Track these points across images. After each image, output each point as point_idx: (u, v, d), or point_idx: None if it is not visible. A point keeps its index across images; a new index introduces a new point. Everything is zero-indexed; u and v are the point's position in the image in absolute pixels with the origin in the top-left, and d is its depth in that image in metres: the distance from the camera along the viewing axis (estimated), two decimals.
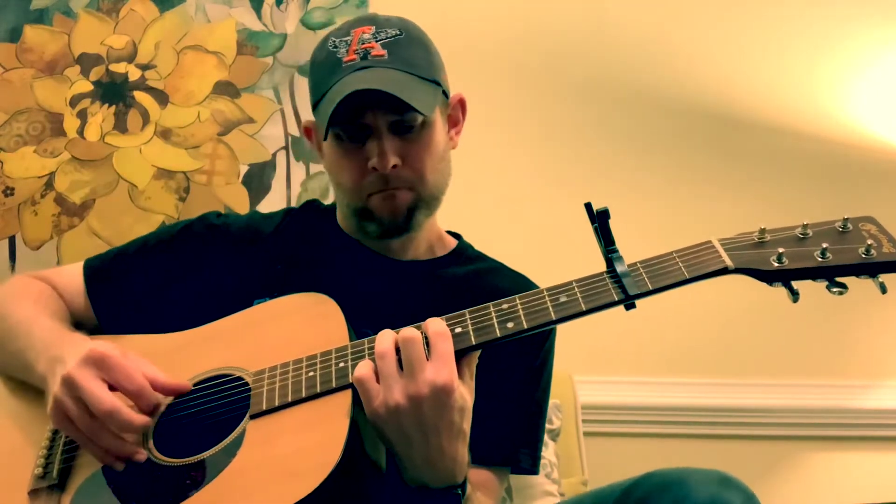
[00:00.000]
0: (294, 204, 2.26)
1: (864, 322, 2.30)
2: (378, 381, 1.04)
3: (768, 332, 2.30)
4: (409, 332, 1.05)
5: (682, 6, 2.34)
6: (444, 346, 1.04)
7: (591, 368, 2.22)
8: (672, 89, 2.31)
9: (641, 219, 2.14)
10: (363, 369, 1.05)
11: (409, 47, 1.30)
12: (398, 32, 1.30)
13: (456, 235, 1.49)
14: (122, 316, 1.38)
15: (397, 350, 1.05)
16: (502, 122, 2.32)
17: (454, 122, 1.41)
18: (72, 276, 1.41)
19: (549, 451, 1.95)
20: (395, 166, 1.27)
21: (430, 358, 1.03)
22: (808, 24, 2.30)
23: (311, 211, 1.48)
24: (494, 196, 2.29)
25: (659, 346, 2.30)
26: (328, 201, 1.52)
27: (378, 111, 1.26)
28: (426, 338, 1.05)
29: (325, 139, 1.28)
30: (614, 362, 2.28)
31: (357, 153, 1.29)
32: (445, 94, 1.36)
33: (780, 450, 2.29)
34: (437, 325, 1.06)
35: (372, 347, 1.09)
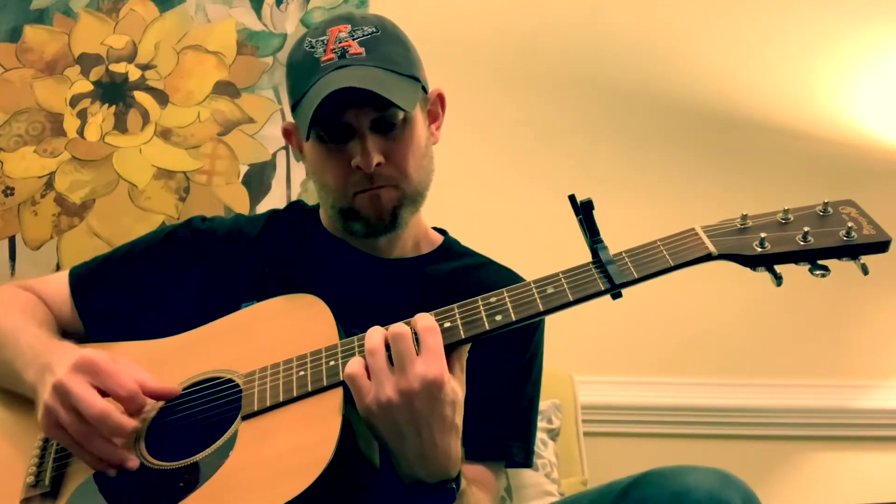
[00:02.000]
0: None
1: (864, 322, 2.30)
2: (369, 377, 1.04)
3: (768, 333, 2.30)
4: (399, 327, 1.05)
5: (676, 2, 2.33)
6: (434, 341, 1.04)
7: (591, 368, 2.23)
8: (668, 88, 2.31)
9: (637, 219, 2.14)
10: (354, 366, 1.05)
11: (386, 44, 1.30)
12: (374, 30, 1.30)
13: (441, 231, 1.48)
14: (109, 324, 1.38)
15: (387, 346, 1.05)
16: (489, 119, 2.32)
17: (434, 117, 1.41)
18: (57, 285, 1.41)
19: (548, 451, 1.95)
20: (378, 164, 1.27)
21: (419, 353, 1.04)
22: (807, 23, 2.30)
23: (296, 212, 1.48)
24: (481, 192, 2.29)
25: (659, 346, 2.30)
26: None
27: (360, 109, 1.26)
28: (415, 333, 1.05)
29: (307, 140, 1.28)
30: (614, 362, 2.28)
31: (340, 153, 1.29)
32: (424, 89, 1.36)
33: (780, 450, 2.29)
34: (425, 321, 1.06)
35: (362, 345, 1.09)
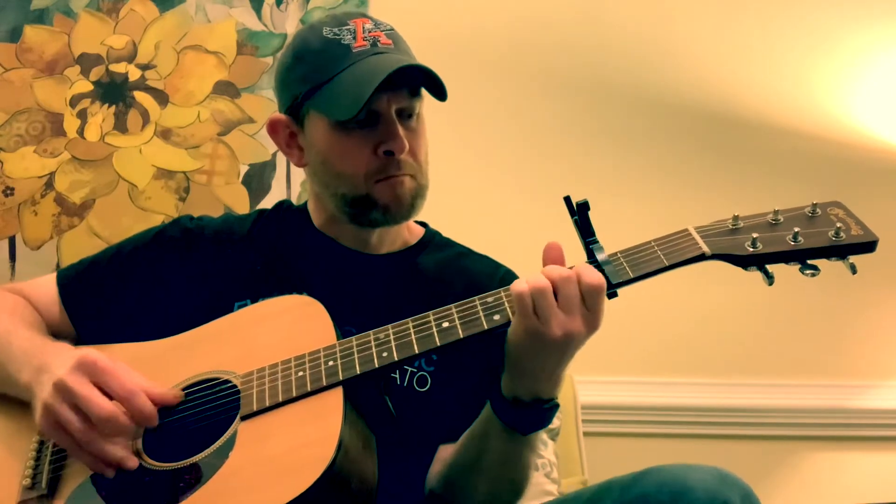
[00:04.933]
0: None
1: (864, 322, 2.30)
2: (535, 309, 1.06)
3: (768, 333, 2.30)
4: (566, 272, 1.07)
5: (673, 0, 2.33)
6: (599, 300, 1.07)
7: (591, 368, 2.22)
8: (665, 87, 2.30)
9: (632, 220, 2.13)
10: (523, 285, 1.07)
11: (402, 41, 1.33)
12: (391, 28, 1.32)
13: (422, 224, 1.48)
14: (99, 325, 1.37)
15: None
16: (482, 119, 2.31)
17: None
18: (46, 288, 1.40)
19: (548, 451, 1.95)
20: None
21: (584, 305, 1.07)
22: (807, 23, 2.30)
23: (284, 211, 1.47)
24: (474, 193, 2.28)
25: (659, 346, 2.30)
26: None
27: (392, 95, 1.26)
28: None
29: (349, 118, 1.25)
30: (614, 362, 2.28)
31: (365, 138, 1.28)
32: None
33: (780, 450, 2.29)
34: (591, 276, 1.07)
35: (360, 345, 1.12)
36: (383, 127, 1.27)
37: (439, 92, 1.28)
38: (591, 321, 1.07)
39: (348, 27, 1.29)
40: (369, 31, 1.29)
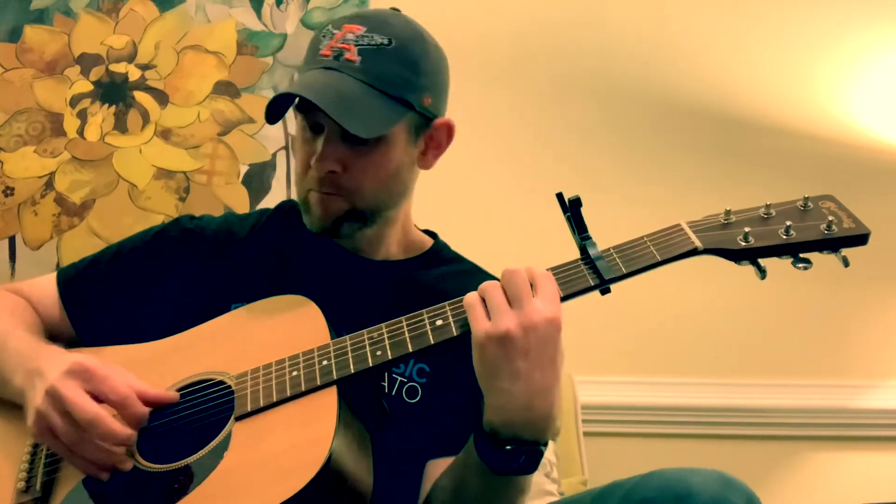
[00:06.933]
0: None
1: (864, 322, 2.30)
2: (486, 310, 1.04)
3: (768, 332, 2.30)
4: (510, 268, 1.05)
5: (673, 1, 2.32)
6: (551, 287, 1.05)
7: (591, 368, 2.22)
8: (665, 87, 2.30)
9: (634, 220, 2.12)
10: (472, 296, 1.05)
11: (388, 60, 1.24)
12: (385, 42, 1.24)
13: (432, 234, 1.46)
14: (99, 325, 1.37)
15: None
16: (482, 119, 2.30)
17: (435, 146, 1.34)
18: (45, 288, 1.40)
19: (548, 451, 1.94)
20: (332, 172, 1.25)
21: (535, 294, 1.04)
22: (807, 23, 2.29)
23: (286, 211, 1.46)
24: (472, 192, 2.28)
25: (658, 346, 2.30)
26: None
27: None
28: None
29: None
30: (614, 362, 2.28)
31: (310, 146, 1.27)
32: (424, 114, 1.29)
33: (780, 450, 2.29)
34: (540, 269, 1.07)
35: (354, 345, 1.12)
36: (319, 140, 1.26)
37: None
38: (545, 308, 1.02)
39: (333, 33, 1.26)
40: (344, 42, 1.24)
